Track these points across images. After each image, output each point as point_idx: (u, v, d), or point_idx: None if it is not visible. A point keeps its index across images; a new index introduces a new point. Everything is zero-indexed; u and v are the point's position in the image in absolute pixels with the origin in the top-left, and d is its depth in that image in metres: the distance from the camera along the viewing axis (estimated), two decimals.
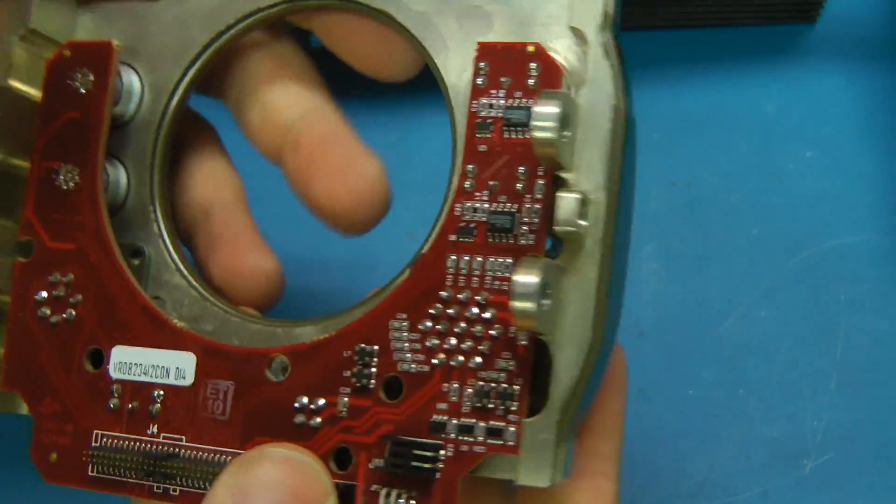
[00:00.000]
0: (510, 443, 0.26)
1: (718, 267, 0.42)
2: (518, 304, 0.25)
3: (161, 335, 0.30)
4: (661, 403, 0.40)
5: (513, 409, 0.26)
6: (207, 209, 0.34)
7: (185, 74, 0.32)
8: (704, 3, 0.43)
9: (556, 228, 0.26)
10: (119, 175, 0.32)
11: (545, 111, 0.25)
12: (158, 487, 0.29)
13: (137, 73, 0.32)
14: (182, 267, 0.32)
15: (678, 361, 0.41)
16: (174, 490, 0.29)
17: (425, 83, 0.44)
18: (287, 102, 0.32)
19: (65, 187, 0.31)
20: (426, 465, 0.27)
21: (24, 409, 0.32)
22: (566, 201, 0.26)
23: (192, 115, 0.35)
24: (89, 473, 0.30)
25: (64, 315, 0.31)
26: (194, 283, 0.32)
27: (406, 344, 0.28)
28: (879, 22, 0.45)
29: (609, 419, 0.29)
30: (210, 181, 0.34)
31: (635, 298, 0.41)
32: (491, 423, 0.26)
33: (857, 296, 0.41)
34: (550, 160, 0.26)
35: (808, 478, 0.39)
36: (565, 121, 0.26)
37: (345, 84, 0.45)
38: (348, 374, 0.28)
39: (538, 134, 0.25)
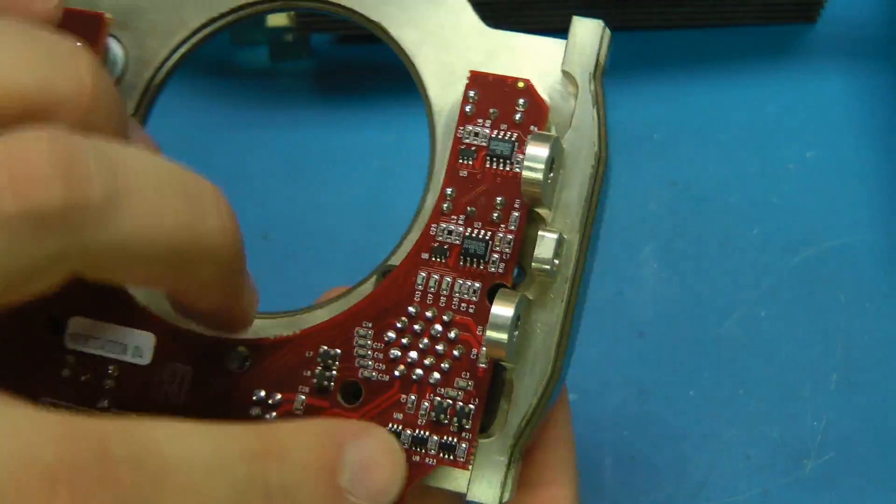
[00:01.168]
0: (460, 459, 0.27)
1: (718, 267, 0.42)
2: (492, 334, 0.26)
3: (122, 311, 0.29)
4: (661, 403, 0.40)
5: (466, 427, 0.27)
6: None
7: (170, 55, 0.32)
8: (704, 3, 0.43)
9: (533, 265, 0.27)
10: None
11: (536, 153, 0.26)
12: None
13: (123, 46, 0.32)
14: None
15: (678, 361, 0.41)
16: None
17: None
18: None
19: None
20: None
21: None
22: (546, 241, 0.27)
23: None
24: None
25: None
26: None
27: (369, 352, 0.28)
28: (879, 22, 0.45)
29: (555, 430, 0.30)
30: None
31: (635, 298, 0.41)
32: (444, 437, 0.27)
33: (857, 296, 0.41)
34: (534, 198, 0.27)
35: (808, 478, 0.39)
36: (552, 163, 0.27)
37: (345, 84, 0.46)
38: (308, 373, 0.28)
39: (528, 174, 0.26)
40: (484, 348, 0.27)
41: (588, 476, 0.39)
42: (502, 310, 0.26)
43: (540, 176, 0.26)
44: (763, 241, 0.42)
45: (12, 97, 0.23)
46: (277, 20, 0.43)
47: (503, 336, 0.26)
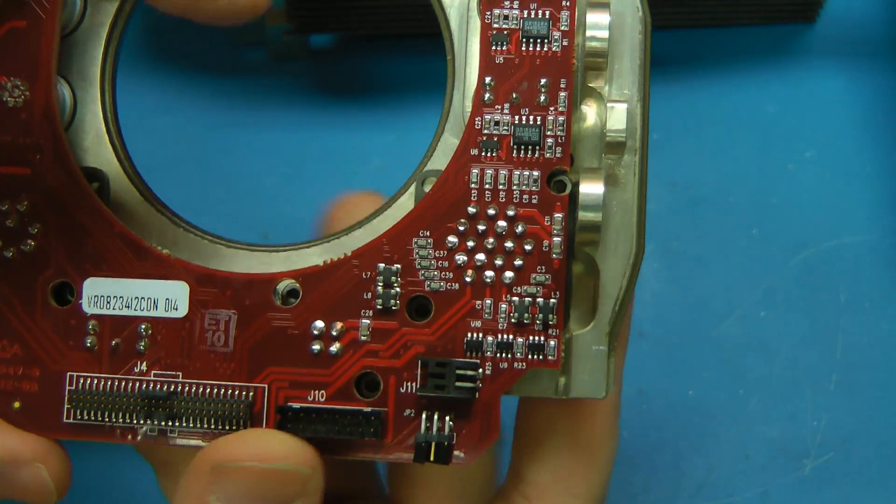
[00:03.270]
0: (551, 357, 0.26)
1: (718, 267, 0.42)
2: (586, 215, 0.26)
3: (144, 265, 0.27)
4: (660, 404, 0.40)
5: (552, 322, 0.26)
6: None
7: None
8: (704, 3, 0.43)
9: (608, 138, 0.26)
10: (63, 92, 0.29)
11: (598, 19, 0.26)
12: (152, 430, 0.27)
13: None
14: (146, 193, 0.29)
15: (678, 361, 0.41)
16: (172, 432, 0.27)
17: (425, 84, 0.44)
18: None
19: (11, 104, 0.28)
20: (468, 385, 0.26)
21: None
22: (617, 111, 0.26)
23: None
24: (65, 420, 0.27)
25: (22, 247, 0.28)
26: (161, 208, 0.29)
27: (432, 262, 0.27)
28: (879, 22, 0.45)
29: None
30: None
31: (635, 298, 0.41)
32: (531, 338, 0.26)
33: (857, 296, 0.41)
34: (598, 68, 0.27)
35: (808, 478, 0.39)
36: (612, 29, 0.27)
37: (345, 84, 0.46)
38: (369, 295, 0.27)
39: (593, 43, 0.26)
40: (556, 238, 0.26)
41: None
42: (592, 187, 0.26)
43: (605, 44, 0.26)
44: (763, 241, 0.42)
45: None
46: (277, 20, 0.43)
47: (597, 216, 0.26)
